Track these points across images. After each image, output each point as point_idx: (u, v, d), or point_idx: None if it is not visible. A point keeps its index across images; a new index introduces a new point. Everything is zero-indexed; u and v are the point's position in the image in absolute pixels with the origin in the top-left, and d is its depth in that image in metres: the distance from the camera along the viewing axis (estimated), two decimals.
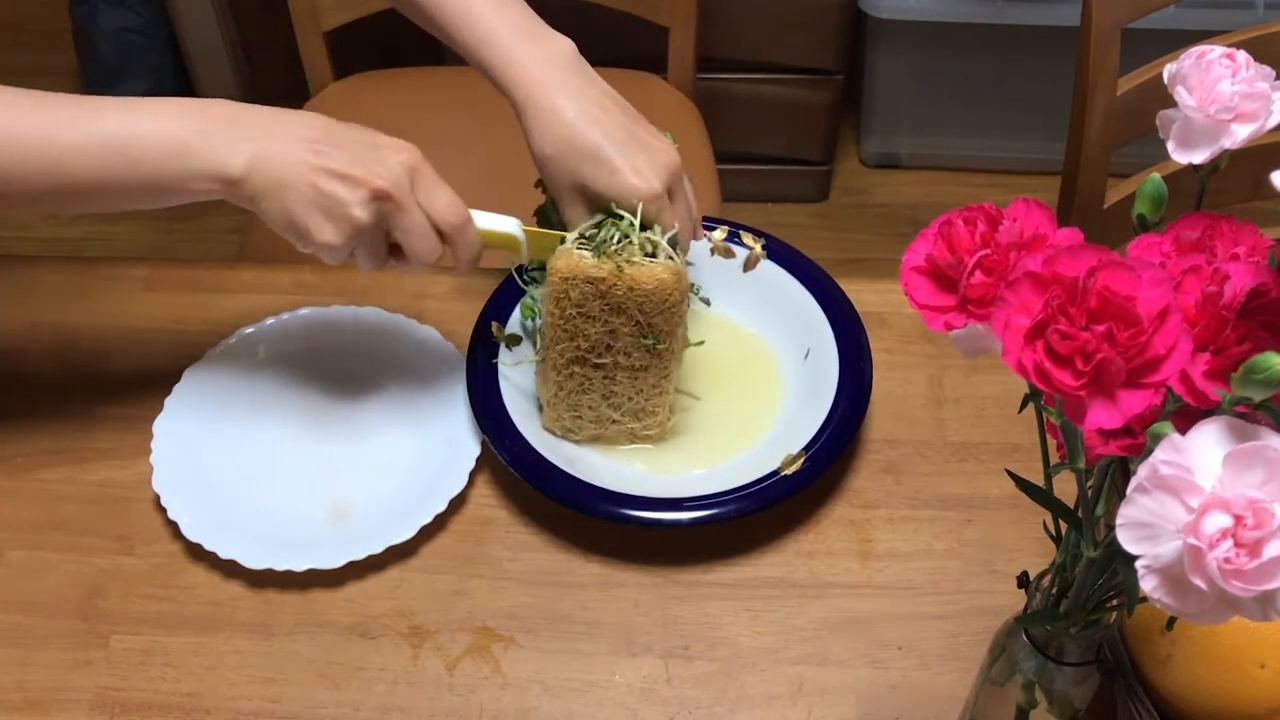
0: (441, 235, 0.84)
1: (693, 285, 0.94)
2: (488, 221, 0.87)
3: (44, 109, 0.79)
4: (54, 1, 2.27)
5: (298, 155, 0.79)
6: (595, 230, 0.87)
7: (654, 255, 0.86)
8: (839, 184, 2.21)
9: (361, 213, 0.80)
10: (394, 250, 0.84)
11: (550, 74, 0.88)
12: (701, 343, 0.96)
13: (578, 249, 0.86)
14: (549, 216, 0.95)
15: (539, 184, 0.95)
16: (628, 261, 0.85)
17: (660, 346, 0.88)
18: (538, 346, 0.96)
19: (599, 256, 0.85)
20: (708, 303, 0.94)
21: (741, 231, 1.03)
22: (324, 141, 0.80)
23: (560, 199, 0.89)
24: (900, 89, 2.10)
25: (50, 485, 0.93)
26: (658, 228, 0.87)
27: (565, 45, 0.90)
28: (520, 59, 0.88)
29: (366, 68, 1.56)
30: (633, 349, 0.88)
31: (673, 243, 0.87)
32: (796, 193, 2.18)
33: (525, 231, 0.89)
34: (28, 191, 0.79)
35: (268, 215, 0.81)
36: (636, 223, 0.86)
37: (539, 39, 0.90)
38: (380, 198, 0.80)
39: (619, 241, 0.86)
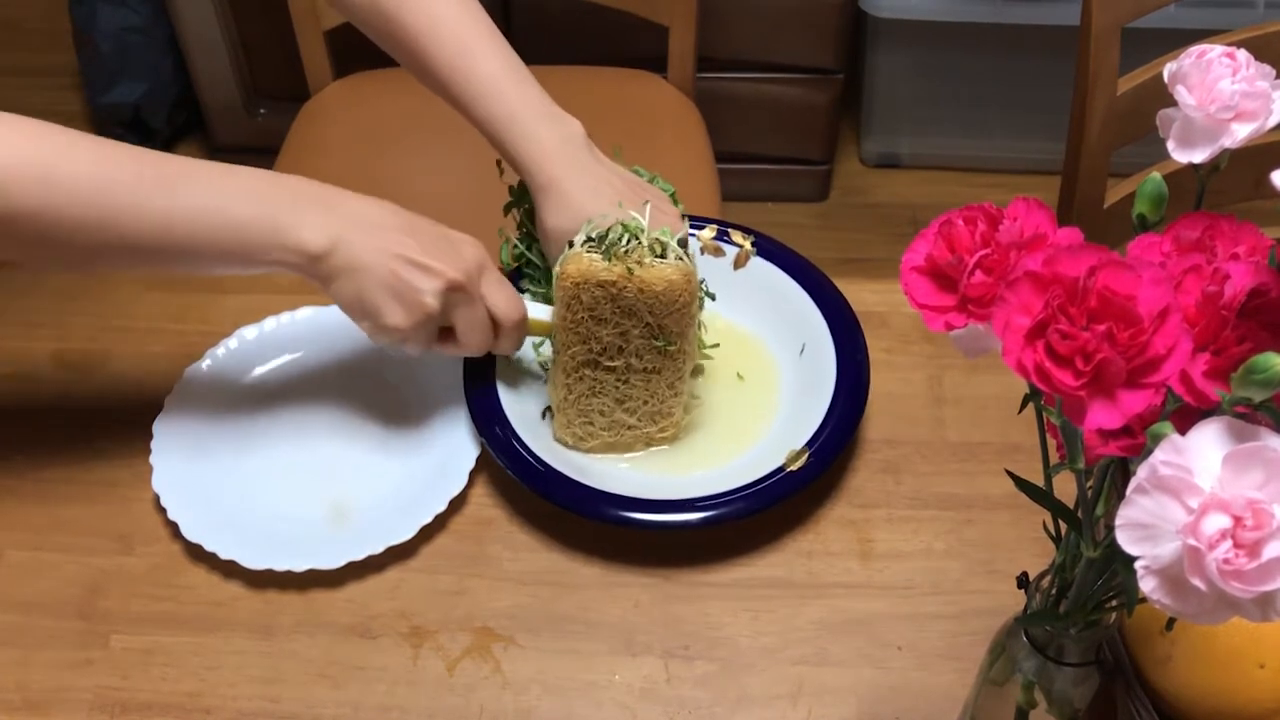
0: (495, 328, 0.88)
1: (706, 293, 0.94)
2: (534, 311, 0.92)
3: (141, 165, 0.79)
4: (54, 1, 2.27)
5: (378, 241, 0.83)
6: (603, 233, 0.87)
7: (663, 256, 0.86)
8: (839, 184, 2.21)
9: (433, 301, 0.83)
10: (443, 334, 0.88)
11: (566, 157, 0.92)
12: (716, 345, 0.96)
13: (587, 252, 0.86)
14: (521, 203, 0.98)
15: (509, 207, 0.98)
16: (638, 263, 0.85)
17: (672, 348, 0.88)
18: (537, 347, 0.96)
19: (609, 259, 0.85)
20: (713, 297, 0.94)
21: (730, 230, 1.03)
22: (403, 230, 0.84)
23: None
24: (900, 89, 2.10)
25: (50, 485, 0.93)
26: (666, 229, 0.88)
27: (577, 127, 0.94)
28: (541, 141, 0.92)
29: (366, 68, 1.55)
30: (645, 351, 0.88)
31: (682, 243, 0.88)
32: (796, 193, 2.18)
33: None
34: (121, 249, 0.79)
35: (340, 294, 0.84)
36: (645, 223, 0.87)
37: (556, 121, 0.93)
38: (453, 289, 0.84)
39: (628, 243, 0.86)
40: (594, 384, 0.90)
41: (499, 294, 0.88)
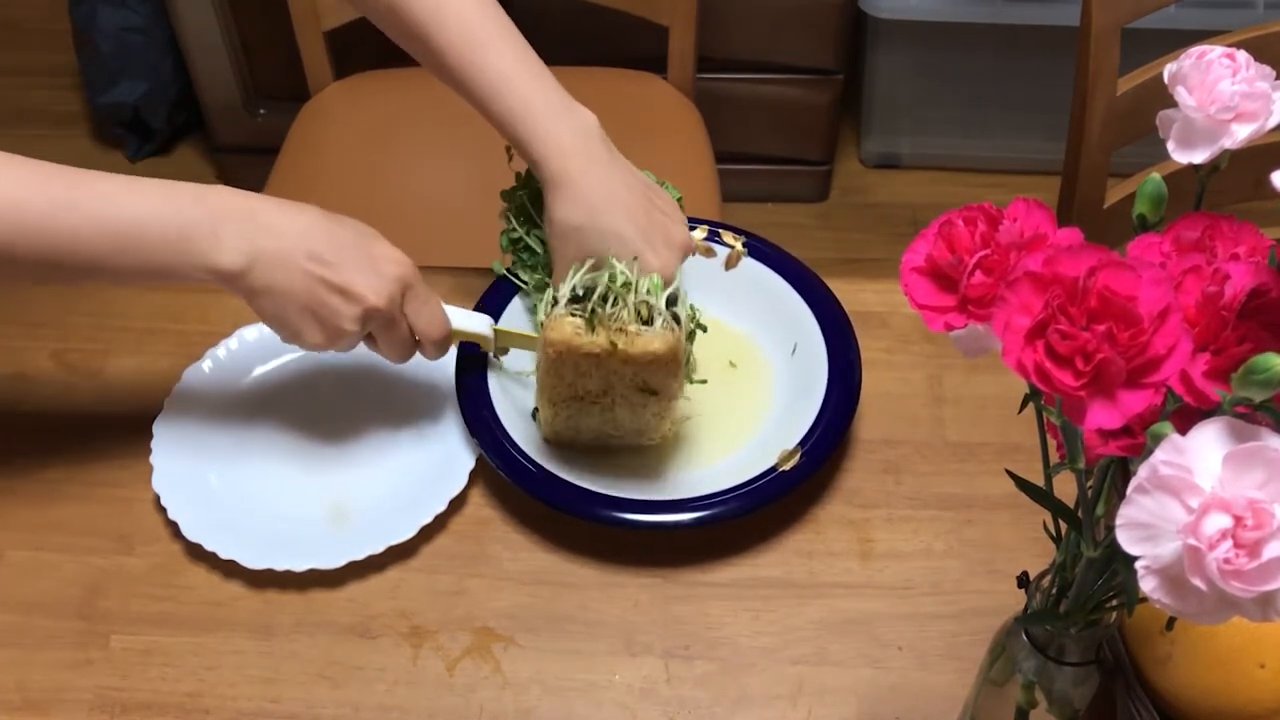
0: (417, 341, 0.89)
1: (698, 325, 0.92)
2: (462, 321, 0.92)
3: (47, 185, 0.78)
4: (54, 1, 2.27)
5: (297, 261, 0.82)
6: (588, 287, 0.85)
7: (649, 321, 0.84)
8: (839, 184, 2.21)
9: (351, 325, 0.84)
10: (369, 337, 0.88)
11: (581, 150, 0.91)
12: (704, 382, 0.95)
13: (570, 315, 0.84)
14: (522, 200, 0.97)
15: (512, 192, 0.97)
16: (621, 332, 0.83)
17: (658, 393, 0.88)
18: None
19: (592, 328, 0.84)
20: (704, 329, 0.93)
21: (722, 230, 1.03)
22: (324, 248, 0.82)
23: (562, 269, 0.91)
24: (900, 89, 2.10)
25: (50, 485, 0.93)
26: (654, 280, 0.86)
27: (592, 119, 0.93)
28: (555, 134, 0.90)
29: (366, 68, 1.56)
30: (630, 393, 0.88)
31: (671, 299, 0.86)
32: (796, 193, 2.18)
33: (496, 331, 0.94)
34: (27, 265, 0.79)
35: (260, 310, 0.84)
36: (633, 281, 0.85)
37: (571, 114, 0.92)
38: (372, 314, 0.84)
39: (613, 304, 0.84)
40: (579, 410, 0.89)
41: (422, 313, 0.87)
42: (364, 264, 0.83)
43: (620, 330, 0.83)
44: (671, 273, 0.90)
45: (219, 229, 0.80)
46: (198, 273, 0.81)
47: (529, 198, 0.96)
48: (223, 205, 0.81)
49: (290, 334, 0.85)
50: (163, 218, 0.79)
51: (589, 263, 0.88)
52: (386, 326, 0.86)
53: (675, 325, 0.84)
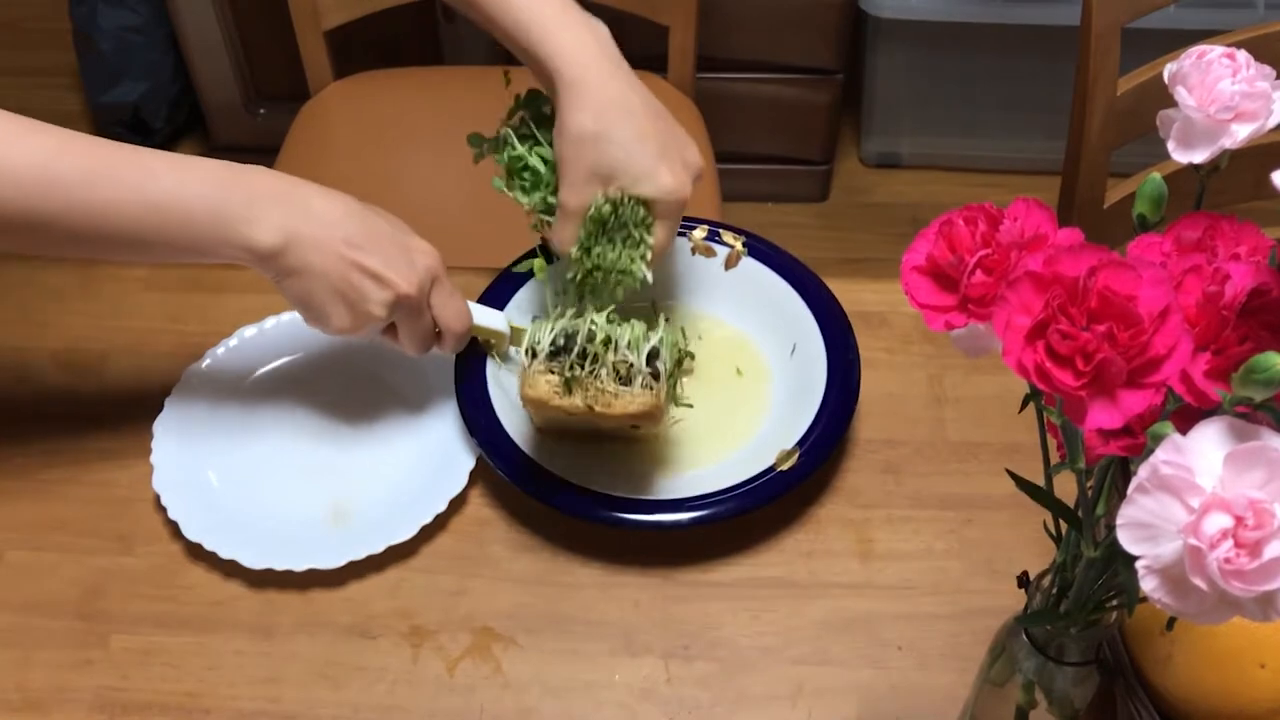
0: (438, 333, 0.89)
1: (686, 353, 0.89)
2: (481, 317, 0.92)
3: (93, 158, 0.78)
4: (54, 1, 2.27)
5: (333, 246, 0.82)
6: (567, 336, 0.84)
7: (628, 380, 0.83)
8: (839, 184, 2.21)
9: (381, 310, 0.84)
10: (387, 328, 0.88)
11: (596, 56, 0.88)
12: (691, 405, 0.92)
13: (547, 374, 0.83)
14: (534, 108, 0.94)
15: (512, 111, 0.94)
16: (600, 395, 0.82)
17: (642, 429, 0.88)
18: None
19: (569, 389, 0.83)
20: (692, 355, 0.90)
21: (722, 230, 1.03)
22: (361, 233, 0.83)
23: (572, 179, 0.88)
24: (900, 89, 2.10)
25: (50, 485, 0.93)
26: (635, 333, 0.84)
27: (605, 30, 0.90)
28: (565, 37, 0.88)
29: (366, 68, 1.55)
30: (616, 429, 0.88)
31: (654, 353, 0.84)
32: (796, 193, 2.18)
33: (513, 329, 0.94)
34: (67, 238, 0.79)
35: (289, 290, 0.83)
36: (613, 338, 0.83)
37: (585, 21, 0.90)
38: (402, 301, 0.84)
39: (591, 364, 0.83)
40: (565, 426, 0.89)
41: (448, 307, 0.88)
42: (397, 252, 0.84)
43: (598, 391, 0.82)
44: (685, 194, 0.88)
45: (256, 207, 0.80)
46: (233, 249, 0.81)
47: (532, 116, 0.94)
48: (262, 185, 0.81)
49: (316, 316, 0.84)
50: (202, 194, 0.79)
51: (570, 313, 0.86)
52: (412, 315, 0.86)
53: (655, 382, 0.83)
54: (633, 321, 0.86)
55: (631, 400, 0.83)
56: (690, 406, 0.90)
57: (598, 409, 0.83)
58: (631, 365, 0.83)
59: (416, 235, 0.87)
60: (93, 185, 0.77)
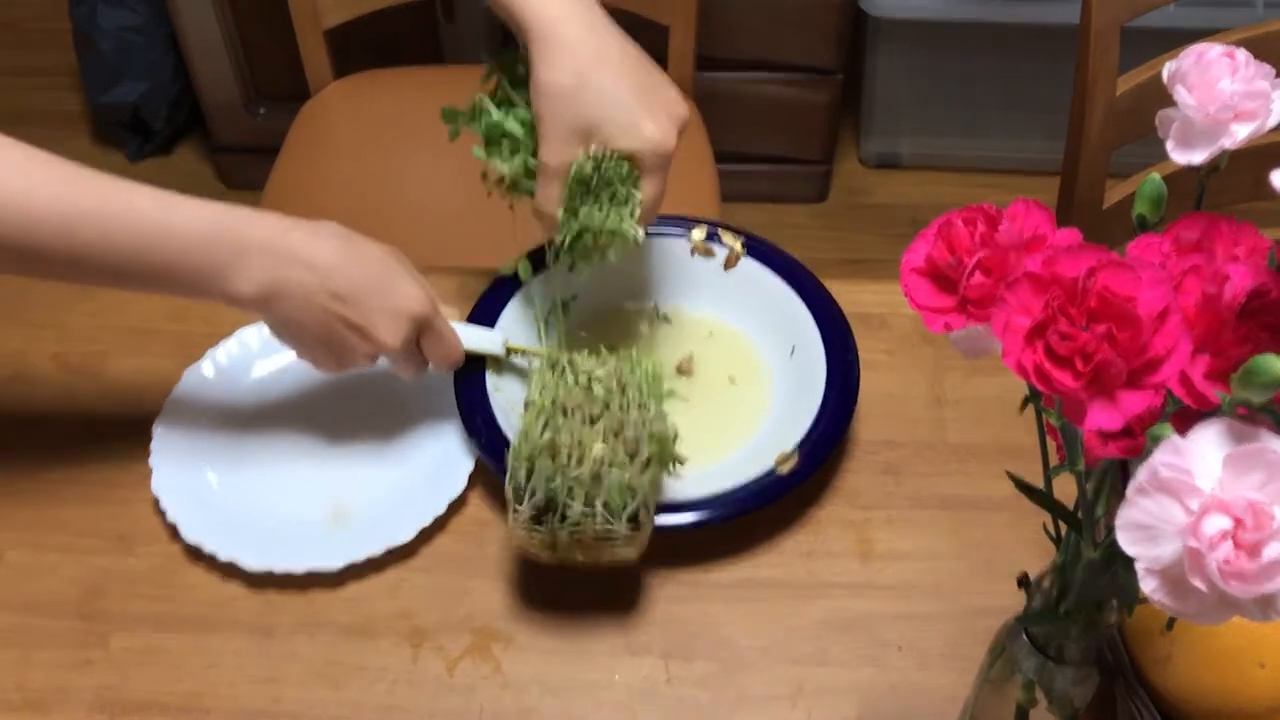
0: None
1: (673, 432, 0.85)
2: (475, 342, 0.92)
3: (76, 195, 0.77)
4: (54, 1, 2.27)
5: (317, 299, 0.81)
6: (549, 493, 0.79)
7: (607, 538, 0.80)
8: (839, 184, 2.21)
9: (365, 361, 0.86)
10: None
11: (567, 4, 0.85)
12: (684, 461, 0.88)
13: (531, 528, 0.80)
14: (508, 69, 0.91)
15: (488, 75, 0.91)
16: (583, 550, 0.81)
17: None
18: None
19: (553, 546, 0.81)
20: (682, 462, 0.86)
21: (721, 230, 1.03)
22: (345, 286, 0.81)
23: (551, 137, 0.85)
24: (900, 89, 2.10)
25: (50, 485, 0.93)
26: (615, 493, 0.79)
27: None
28: None
29: (366, 67, 1.56)
30: None
31: (642, 500, 0.79)
32: (796, 193, 2.18)
33: (508, 349, 0.94)
34: (49, 273, 0.79)
35: (275, 334, 0.85)
36: (595, 512, 0.79)
37: None
38: (385, 352, 0.85)
39: (573, 526, 0.79)
40: None
41: (436, 349, 0.88)
42: (382, 304, 0.83)
43: (581, 545, 0.81)
44: (670, 145, 0.85)
45: (239, 260, 0.79)
46: (214, 297, 0.81)
47: (508, 79, 0.91)
48: (248, 235, 0.80)
49: (303, 357, 0.87)
50: (184, 246, 0.79)
51: (558, 409, 0.82)
52: (399, 361, 0.88)
53: (635, 533, 0.80)
54: (614, 472, 0.79)
55: (615, 553, 0.82)
56: (682, 463, 0.86)
57: (581, 558, 0.82)
58: (613, 527, 0.79)
59: (409, 276, 0.85)
60: (73, 229, 0.76)
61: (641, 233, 0.89)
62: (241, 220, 0.80)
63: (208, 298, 0.81)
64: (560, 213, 0.87)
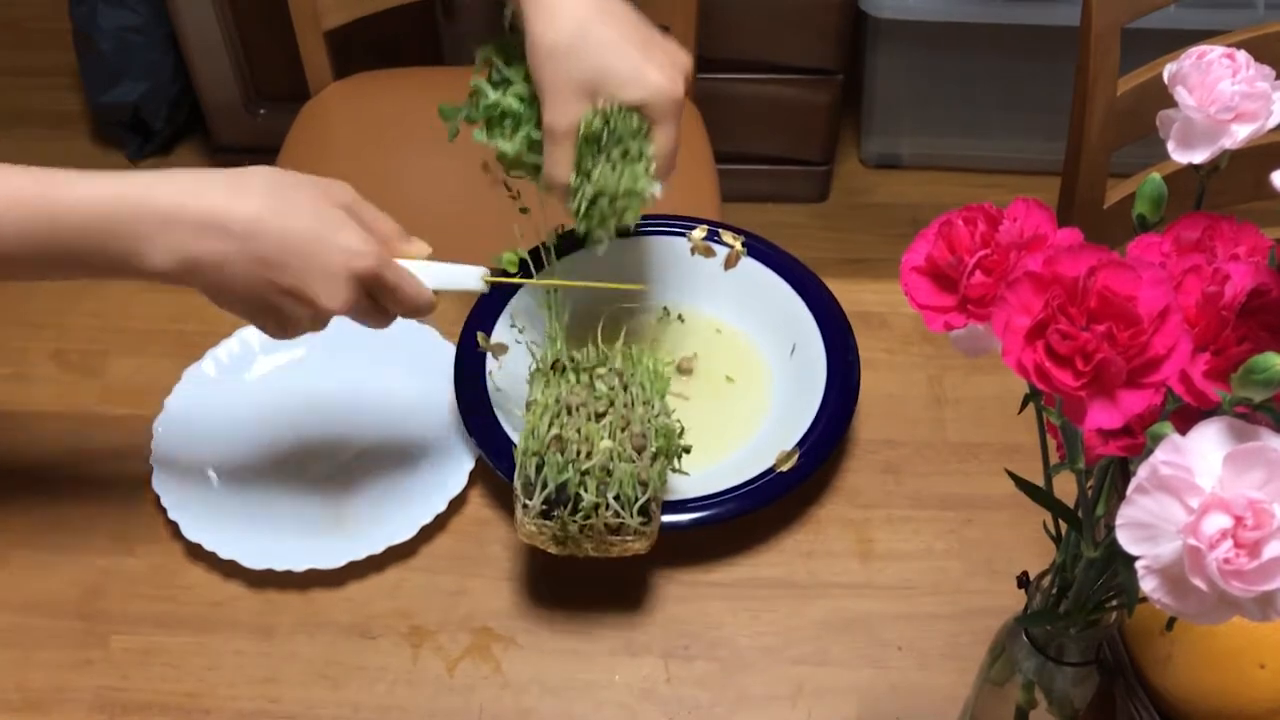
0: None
1: (678, 428, 0.85)
2: (450, 279, 0.82)
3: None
4: (54, 1, 2.27)
5: (243, 266, 0.73)
6: (558, 484, 0.79)
7: (618, 531, 0.79)
8: (839, 184, 2.21)
9: (311, 325, 0.77)
10: None
11: None
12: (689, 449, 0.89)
13: (541, 521, 0.79)
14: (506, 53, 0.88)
15: (484, 52, 0.88)
16: (595, 544, 0.80)
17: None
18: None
19: (563, 541, 0.80)
20: (688, 450, 0.86)
21: (721, 230, 1.03)
22: (270, 248, 0.73)
23: (555, 98, 0.81)
24: (900, 89, 2.10)
25: (50, 485, 0.93)
26: (626, 488, 0.79)
27: None
28: None
29: (366, 68, 1.55)
30: None
31: (643, 509, 0.79)
32: (796, 193, 2.18)
33: (487, 281, 0.84)
34: None
35: (216, 303, 0.77)
36: (605, 501, 0.79)
37: None
38: (331, 315, 0.77)
39: (584, 520, 0.79)
40: None
41: (396, 299, 0.78)
42: (318, 263, 0.74)
43: (593, 543, 0.81)
44: (677, 94, 0.81)
45: (144, 231, 0.72)
46: (128, 276, 0.74)
47: (502, 58, 0.87)
48: (149, 202, 0.73)
49: (251, 325, 0.79)
50: (88, 223, 0.72)
51: (562, 407, 0.81)
52: (356, 315, 0.79)
53: (646, 526, 0.80)
54: (623, 465, 0.79)
55: (626, 547, 0.81)
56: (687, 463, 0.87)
57: (591, 552, 0.81)
58: (622, 520, 0.79)
59: (350, 228, 0.76)
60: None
61: (659, 189, 0.85)
62: (144, 189, 0.73)
63: (125, 278, 0.74)
64: (572, 178, 0.84)
